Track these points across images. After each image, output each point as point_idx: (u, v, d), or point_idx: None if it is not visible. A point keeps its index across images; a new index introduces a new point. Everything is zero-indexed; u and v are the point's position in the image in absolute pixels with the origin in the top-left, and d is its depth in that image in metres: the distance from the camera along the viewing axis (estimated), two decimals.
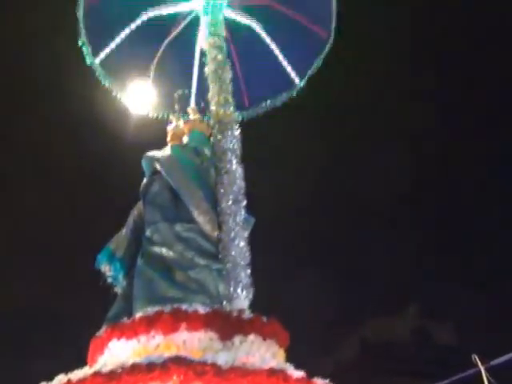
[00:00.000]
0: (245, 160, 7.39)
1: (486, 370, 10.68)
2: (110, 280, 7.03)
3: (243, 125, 8.18)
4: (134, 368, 4.90)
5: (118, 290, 7.04)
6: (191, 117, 8.18)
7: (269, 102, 9.51)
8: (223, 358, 5.04)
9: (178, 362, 4.92)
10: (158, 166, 7.22)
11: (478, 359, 10.91)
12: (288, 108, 9.56)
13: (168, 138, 7.90)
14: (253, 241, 6.89)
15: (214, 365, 4.91)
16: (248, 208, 7.18)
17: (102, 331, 6.25)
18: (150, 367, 4.89)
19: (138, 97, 8.68)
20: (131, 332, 5.91)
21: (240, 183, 7.27)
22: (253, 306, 6.40)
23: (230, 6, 8.91)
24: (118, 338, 5.97)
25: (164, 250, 6.72)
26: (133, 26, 8.62)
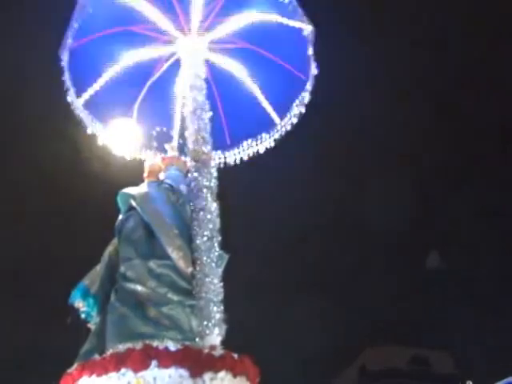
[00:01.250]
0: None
1: None
2: (83, 316, 7.03)
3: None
4: None
5: (92, 326, 7.03)
6: (169, 154, 8.32)
7: (250, 141, 9.63)
8: None
9: None
10: (133, 203, 7.30)
11: None
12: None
13: (145, 174, 8.00)
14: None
15: None
16: (223, 244, 7.27)
17: (73, 368, 6.23)
18: None
19: (120, 138, 8.80)
20: (101, 369, 5.90)
21: (215, 220, 7.35)
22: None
23: (210, 48, 9.14)
24: (89, 376, 5.96)
25: (137, 287, 6.75)
26: (117, 68, 8.79)
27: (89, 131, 8.57)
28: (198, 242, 7.13)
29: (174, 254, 6.93)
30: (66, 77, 8.31)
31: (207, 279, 6.85)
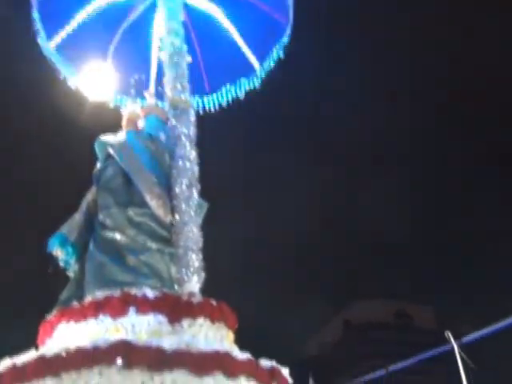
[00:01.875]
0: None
1: (459, 346, 11.10)
2: (61, 264, 7.02)
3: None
4: (78, 352, 4.93)
5: (70, 274, 7.04)
6: (147, 101, 8.16)
7: (229, 87, 9.48)
8: (168, 342, 5.10)
9: (123, 346, 4.97)
10: (111, 151, 7.19)
11: (451, 336, 11.31)
12: None
13: (123, 122, 7.86)
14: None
15: (158, 348, 4.97)
16: (202, 195, 7.25)
17: (52, 315, 6.27)
18: (94, 351, 4.92)
19: (95, 83, 8.58)
20: (80, 316, 5.94)
21: (194, 168, 7.31)
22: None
23: None
24: (67, 322, 6.00)
25: (116, 235, 6.73)
26: (89, 9, 8.50)
27: (61, 76, 8.35)
28: (177, 190, 7.10)
29: (153, 203, 6.89)
30: (36, 17, 8.02)
31: (186, 227, 6.86)
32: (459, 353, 10.30)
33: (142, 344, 5.02)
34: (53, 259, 7.04)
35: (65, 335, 5.88)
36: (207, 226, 7.24)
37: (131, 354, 4.91)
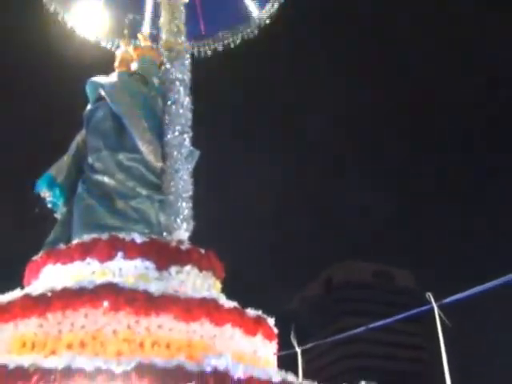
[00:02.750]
0: None
1: (439, 307, 11.32)
2: (49, 206, 6.92)
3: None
4: (64, 292, 4.88)
5: (58, 216, 6.94)
6: (141, 43, 7.90)
7: (225, 32, 9.18)
8: (155, 286, 5.07)
9: (109, 288, 4.93)
10: (102, 93, 6.98)
11: (431, 297, 11.51)
12: None
13: (116, 63, 7.62)
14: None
15: (145, 292, 4.93)
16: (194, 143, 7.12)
17: (38, 256, 6.20)
18: (80, 292, 4.88)
19: (87, 19, 8.28)
20: (67, 258, 5.88)
21: (187, 114, 7.14)
22: None
23: None
24: (54, 263, 5.94)
25: (105, 178, 6.61)
26: None
27: (51, 9, 8.05)
28: (169, 136, 6.95)
29: (144, 148, 6.75)
30: None
31: (177, 175, 6.76)
32: (438, 313, 10.47)
33: (129, 287, 4.98)
34: (40, 200, 6.93)
35: (51, 276, 5.83)
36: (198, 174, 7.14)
37: (118, 296, 4.87)
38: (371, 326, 13.77)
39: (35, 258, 6.22)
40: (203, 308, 5.09)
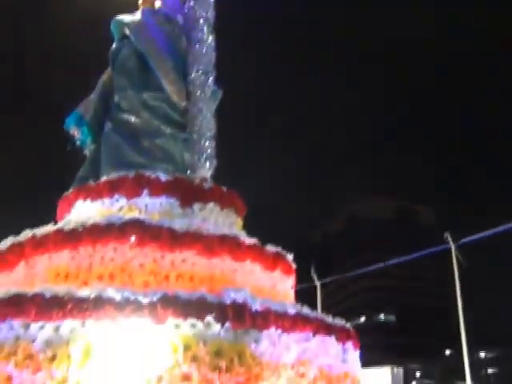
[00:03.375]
0: None
1: (457, 247, 11.52)
2: (78, 143, 7.16)
3: None
4: (94, 228, 5.18)
5: (87, 153, 7.20)
6: None
7: None
8: (179, 223, 5.33)
9: (136, 224, 5.21)
10: (127, 31, 7.07)
11: (449, 237, 11.69)
12: None
13: (139, 1, 7.64)
14: None
15: (169, 229, 5.21)
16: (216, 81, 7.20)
17: (69, 192, 6.51)
18: (108, 228, 5.18)
19: None
20: (96, 194, 6.17)
21: (211, 54, 7.20)
22: None
23: None
24: (84, 200, 6.24)
25: (131, 117, 6.80)
26: None
27: None
28: (192, 75, 7.05)
29: (169, 87, 6.87)
30: None
31: (201, 114, 6.90)
32: (455, 253, 10.68)
33: (155, 223, 5.26)
34: (71, 138, 7.17)
35: (82, 212, 6.14)
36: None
37: (144, 232, 5.15)
38: (392, 261, 14.13)
39: (66, 193, 6.53)
40: (224, 244, 5.36)
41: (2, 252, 5.59)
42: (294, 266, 6.26)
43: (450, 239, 10.80)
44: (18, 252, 5.42)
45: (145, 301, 4.38)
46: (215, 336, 4.34)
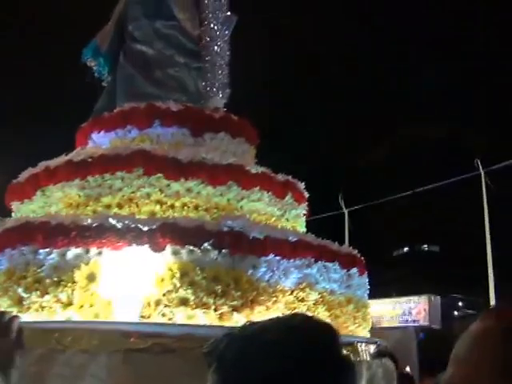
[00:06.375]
0: None
1: (487, 174, 11.31)
2: (96, 75, 7.23)
3: None
4: (101, 158, 5.32)
5: (105, 85, 7.27)
6: None
7: None
8: (184, 153, 5.39)
9: (142, 154, 5.30)
10: None
11: (480, 163, 11.45)
12: None
13: None
14: None
15: (173, 158, 5.28)
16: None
17: (85, 124, 6.65)
18: (115, 158, 5.30)
19: None
20: (109, 125, 6.28)
21: None
22: None
23: None
24: (99, 131, 6.37)
25: (144, 47, 6.79)
26: None
27: None
28: (205, 1, 6.92)
29: (181, 15, 6.79)
30: None
31: (214, 42, 6.81)
32: (485, 179, 10.45)
33: (160, 153, 5.34)
34: (89, 70, 7.23)
35: (97, 143, 6.29)
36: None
37: (149, 162, 5.25)
38: (427, 187, 13.92)
39: (83, 125, 6.67)
40: (229, 173, 5.40)
41: (22, 183, 5.84)
42: (305, 194, 6.27)
43: (480, 165, 10.55)
44: (34, 183, 5.64)
45: (145, 228, 4.51)
46: (212, 262, 4.46)
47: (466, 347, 0.97)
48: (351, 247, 5.90)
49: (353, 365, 1.15)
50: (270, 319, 1.18)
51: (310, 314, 4.84)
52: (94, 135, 6.40)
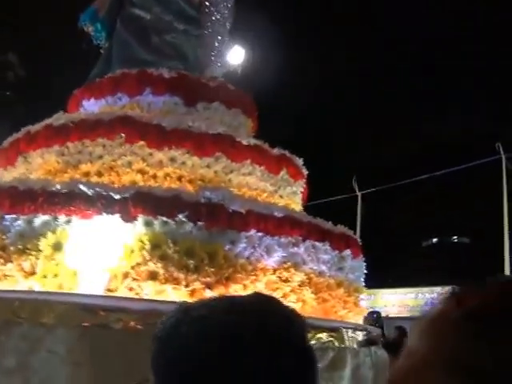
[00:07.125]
0: None
1: (507, 158, 10.89)
2: (93, 41, 6.95)
3: None
4: (82, 123, 5.03)
5: (102, 51, 6.99)
6: None
7: None
8: (168, 121, 5.07)
9: (124, 121, 5.00)
10: None
11: (501, 147, 11.01)
12: None
13: None
14: None
15: (157, 126, 4.96)
16: None
17: (77, 90, 6.37)
18: (96, 123, 5.00)
19: None
20: (99, 92, 5.99)
21: None
22: None
23: None
24: (89, 98, 6.09)
25: (142, 12, 6.47)
26: None
27: None
28: None
29: None
30: None
31: (215, 8, 6.46)
32: (506, 163, 9.94)
33: (144, 120, 5.03)
34: (86, 36, 6.96)
35: (86, 111, 6.01)
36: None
37: (132, 129, 4.94)
38: (443, 171, 13.39)
39: (75, 92, 6.39)
40: (217, 144, 5.06)
41: (5, 149, 5.60)
42: (304, 170, 5.89)
43: (501, 149, 10.02)
44: (16, 148, 5.40)
45: (116, 197, 4.21)
46: (186, 235, 4.14)
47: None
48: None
49: (310, 355, 1.01)
50: (227, 296, 1.13)
51: (293, 295, 4.50)
52: (85, 102, 6.12)
